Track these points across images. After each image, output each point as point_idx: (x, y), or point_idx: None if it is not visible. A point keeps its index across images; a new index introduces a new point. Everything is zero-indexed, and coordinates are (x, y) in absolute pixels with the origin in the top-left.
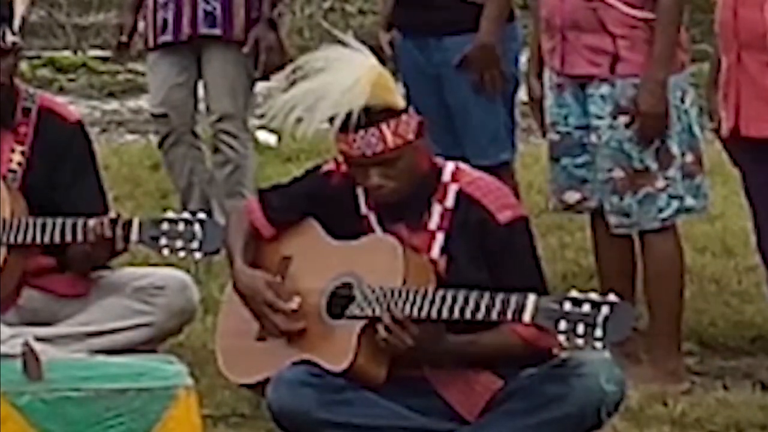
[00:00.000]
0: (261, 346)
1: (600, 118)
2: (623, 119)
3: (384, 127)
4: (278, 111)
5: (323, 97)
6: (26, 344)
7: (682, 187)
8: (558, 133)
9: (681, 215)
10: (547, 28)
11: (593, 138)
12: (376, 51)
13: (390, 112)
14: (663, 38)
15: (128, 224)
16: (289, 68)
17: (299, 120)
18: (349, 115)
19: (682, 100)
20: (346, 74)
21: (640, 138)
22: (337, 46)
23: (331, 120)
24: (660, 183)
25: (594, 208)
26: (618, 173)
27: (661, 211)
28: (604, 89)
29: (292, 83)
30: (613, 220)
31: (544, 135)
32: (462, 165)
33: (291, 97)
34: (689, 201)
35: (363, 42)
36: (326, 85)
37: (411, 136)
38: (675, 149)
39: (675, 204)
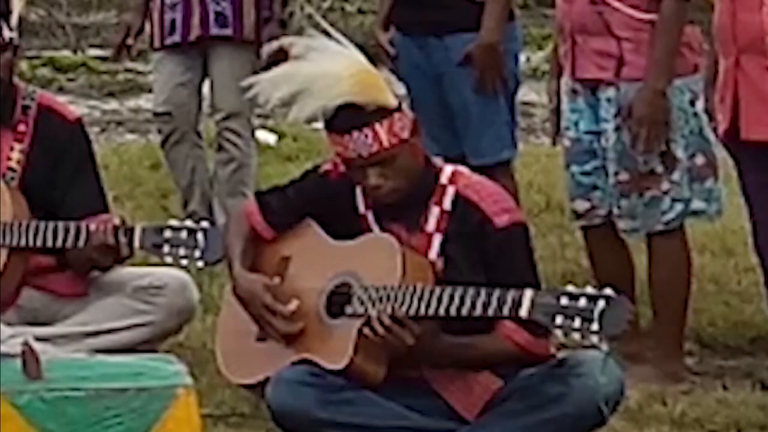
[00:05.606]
0: (260, 347)
1: (607, 121)
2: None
3: (378, 126)
4: (263, 90)
5: (303, 86)
6: (26, 344)
7: (689, 190)
8: (569, 139)
9: (686, 218)
10: (560, 32)
11: (603, 142)
12: (375, 50)
13: (383, 111)
14: (661, 45)
15: (131, 231)
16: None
17: (285, 103)
18: (336, 113)
19: (692, 103)
20: (326, 67)
21: (635, 143)
22: (322, 37)
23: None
24: (665, 186)
25: (603, 217)
26: (624, 176)
27: (664, 213)
28: (611, 92)
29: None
30: (621, 224)
31: (554, 143)
32: (461, 168)
33: (273, 77)
34: (697, 204)
35: (363, 41)
36: (307, 75)
37: (406, 135)
38: (680, 153)
39: (679, 207)
